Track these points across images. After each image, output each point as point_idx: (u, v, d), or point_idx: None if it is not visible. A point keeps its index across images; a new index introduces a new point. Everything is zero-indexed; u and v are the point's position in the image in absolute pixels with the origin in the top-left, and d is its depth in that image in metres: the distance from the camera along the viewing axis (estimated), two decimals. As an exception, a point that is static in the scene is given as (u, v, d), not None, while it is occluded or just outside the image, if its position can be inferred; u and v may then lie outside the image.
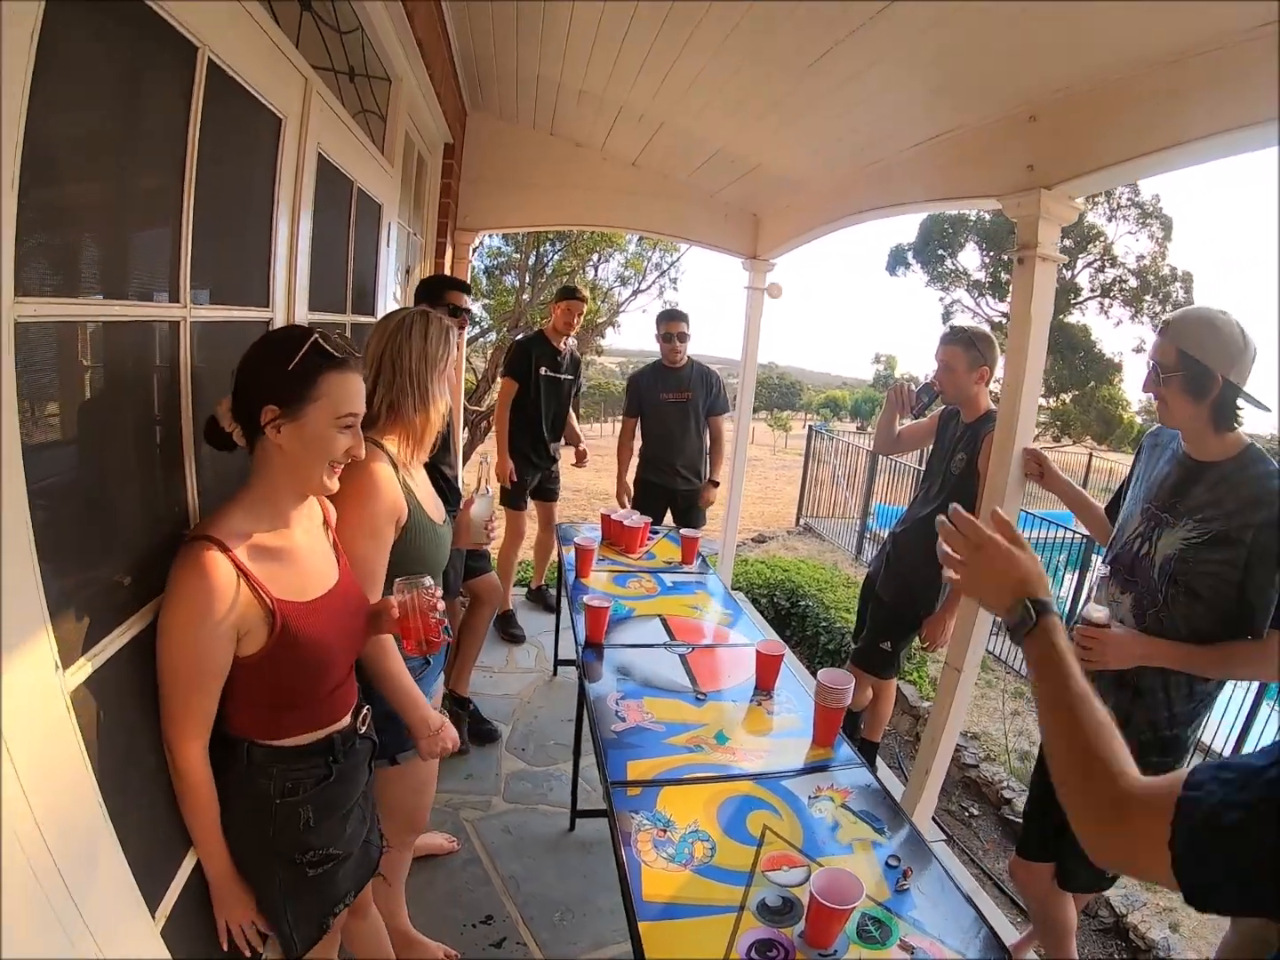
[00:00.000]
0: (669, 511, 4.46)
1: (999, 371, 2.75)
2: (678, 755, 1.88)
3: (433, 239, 3.88)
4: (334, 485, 1.37)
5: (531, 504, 4.52)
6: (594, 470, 16.12)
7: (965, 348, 2.80)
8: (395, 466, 1.71)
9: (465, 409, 12.01)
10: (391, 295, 3.03)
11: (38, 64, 0.85)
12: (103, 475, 1.20)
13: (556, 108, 3.75)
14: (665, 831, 1.61)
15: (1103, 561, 2.05)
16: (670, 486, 4.38)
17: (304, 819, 1.36)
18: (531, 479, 4.37)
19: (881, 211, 3.11)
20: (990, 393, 2.95)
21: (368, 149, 2.36)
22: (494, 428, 4.42)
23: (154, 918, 1.19)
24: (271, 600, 1.25)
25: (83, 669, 1.03)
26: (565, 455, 4.69)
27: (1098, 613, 1.83)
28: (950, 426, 2.99)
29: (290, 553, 1.35)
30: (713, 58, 2.56)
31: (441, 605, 1.51)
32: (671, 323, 4.32)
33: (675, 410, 4.33)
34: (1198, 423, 1.78)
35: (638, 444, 4.55)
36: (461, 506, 2.13)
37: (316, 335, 1.29)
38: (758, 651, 2.25)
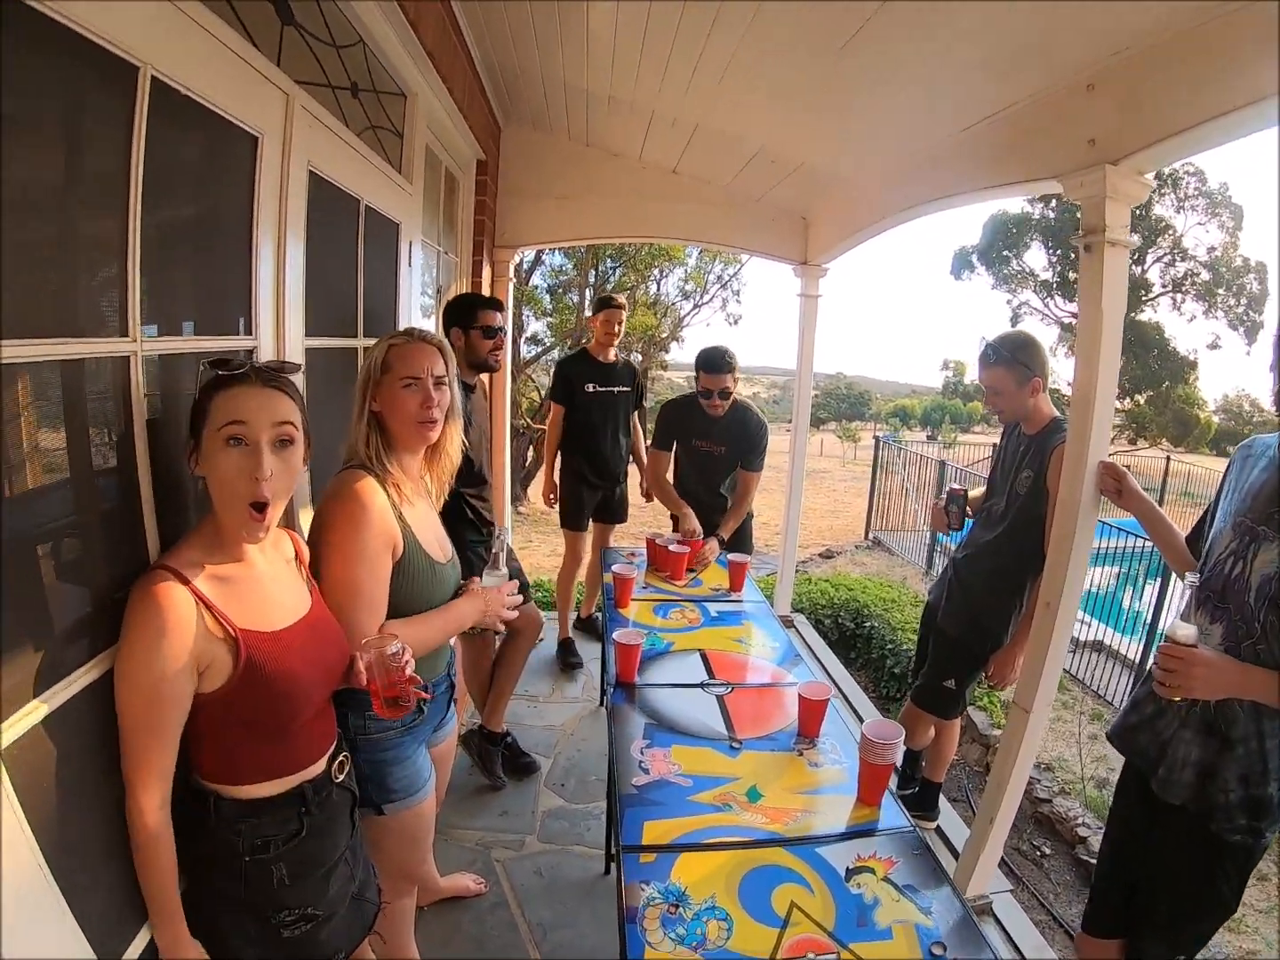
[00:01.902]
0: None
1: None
2: (703, 815, 1.69)
3: (468, 258, 3.80)
4: (257, 534, 1.25)
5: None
6: (660, 484, 16.04)
7: (1009, 367, 2.53)
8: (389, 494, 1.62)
9: (530, 427, 12.13)
10: (419, 316, 2.95)
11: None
12: (44, 524, 1.12)
13: (589, 116, 3.64)
14: (677, 908, 1.42)
15: (1192, 597, 1.76)
16: (708, 520, 3.97)
17: (277, 877, 1.27)
18: (591, 501, 4.22)
19: (934, 205, 2.87)
20: (1054, 391, 2.65)
21: (377, 166, 2.28)
22: (545, 453, 4.34)
23: None
24: (234, 629, 1.19)
25: (16, 725, 0.96)
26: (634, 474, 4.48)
27: (1183, 630, 1.53)
28: (1012, 439, 2.72)
29: (252, 582, 1.28)
30: (738, 49, 2.39)
31: (410, 667, 1.40)
32: (713, 377, 3.47)
33: (706, 460, 3.77)
34: None
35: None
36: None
37: (207, 360, 1.25)
38: (800, 695, 2.04)
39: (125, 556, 1.25)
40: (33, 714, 1.00)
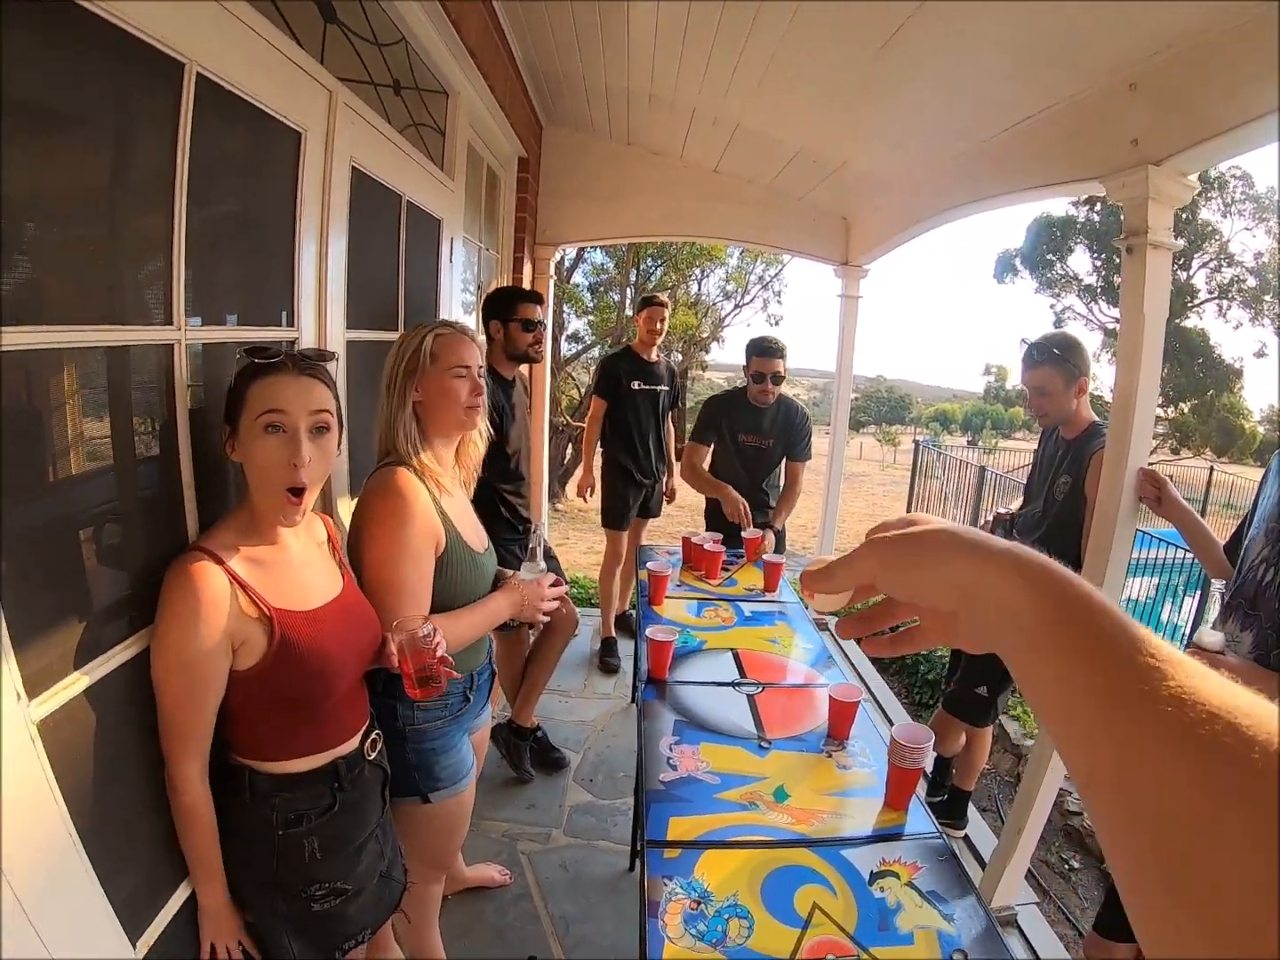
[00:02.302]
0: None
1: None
2: (729, 813, 1.68)
3: (509, 254, 3.84)
4: (294, 517, 1.28)
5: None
6: (698, 485, 16.00)
7: (1057, 365, 2.47)
8: (429, 489, 1.63)
9: (569, 424, 12.18)
10: (459, 311, 2.98)
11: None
12: (89, 504, 1.16)
13: (629, 116, 3.65)
14: (700, 904, 1.41)
15: (1223, 593, 1.72)
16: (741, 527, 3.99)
17: (308, 850, 1.30)
18: (634, 498, 4.20)
19: (975, 205, 2.82)
20: (1096, 398, 2.58)
21: (419, 163, 2.31)
22: (583, 446, 4.32)
23: (135, 947, 1.15)
24: (269, 608, 1.22)
25: (54, 698, 1.00)
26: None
27: (1210, 637, 1.51)
28: (1050, 444, 2.66)
29: (285, 564, 1.32)
30: (778, 49, 2.39)
31: (441, 648, 1.42)
32: (765, 360, 3.49)
33: (752, 454, 3.72)
34: None
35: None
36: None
37: (243, 349, 1.28)
38: (831, 697, 2.02)
39: (166, 538, 1.29)
40: (72, 686, 1.03)
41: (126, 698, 1.16)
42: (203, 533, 1.28)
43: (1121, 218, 1.96)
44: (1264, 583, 1.56)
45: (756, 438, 3.68)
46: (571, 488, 12.96)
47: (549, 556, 3.01)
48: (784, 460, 3.73)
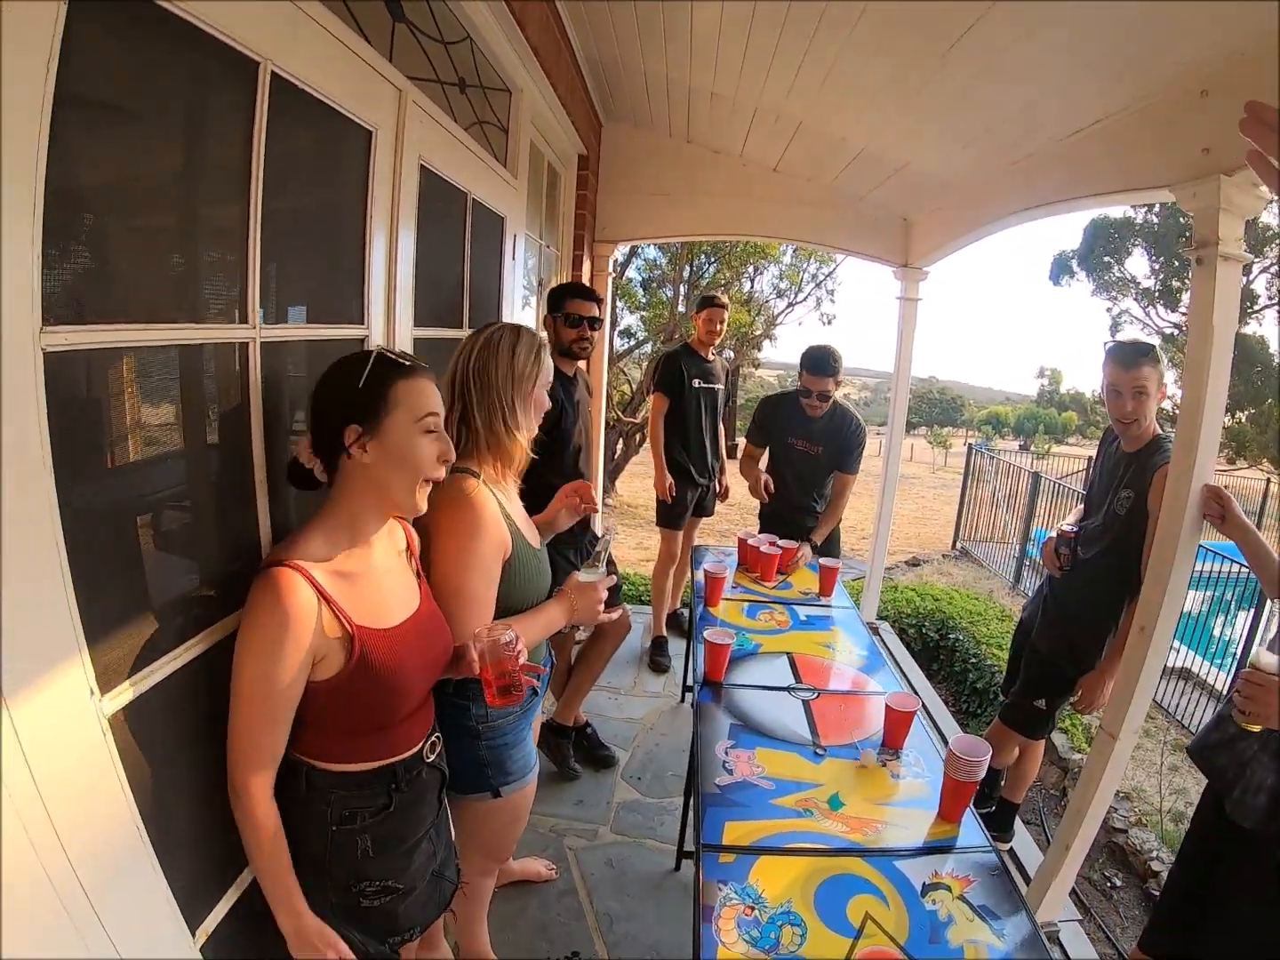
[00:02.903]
0: None
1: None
2: (784, 819, 1.67)
3: (569, 252, 3.85)
4: (424, 504, 1.33)
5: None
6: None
7: (1154, 366, 2.35)
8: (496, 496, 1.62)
9: (620, 420, 12.21)
10: (520, 309, 3.00)
11: (61, 85, 0.83)
12: (162, 501, 1.20)
13: (690, 113, 3.63)
14: (754, 909, 1.41)
15: None
16: (799, 523, 3.78)
17: (361, 848, 1.31)
18: (691, 497, 4.17)
19: (1040, 210, 2.74)
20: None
21: (484, 160, 2.33)
22: (650, 445, 4.23)
23: (194, 936, 1.18)
24: (351, 625, 1.21)
25: (124, 694, 1.03)
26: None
27: (1268, 658, 1.46)
28: (1110, 455, 2.57)
29: (370, 578, 1.31)
30: (844, 46, 2.34)
31: (523, 656, 1.42)
32: (816, 378, 3.43)
33: (803, 461, 3.70)
34: None
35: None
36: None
37: (377, 349, 1.27)
38: (887, 706, 1.98)
39: (238, 536, 1.32)
40: (143, 681, 1.06)
41: (193, 693, 1.18)
42: (288, 538, 1.26)
43: (1184, 221, 1.89)
44: None
45: (807, 444, 3.65)
46: (622, 484, 13.01)
47: (610, 566, 3.02)
48: (833, 472, 3.67)
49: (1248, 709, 1.47)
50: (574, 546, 2.78)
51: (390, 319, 1.75)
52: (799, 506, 3.71)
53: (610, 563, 2.91)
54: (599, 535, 1.97)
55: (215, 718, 1.17)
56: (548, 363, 1.72)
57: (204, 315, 1.22)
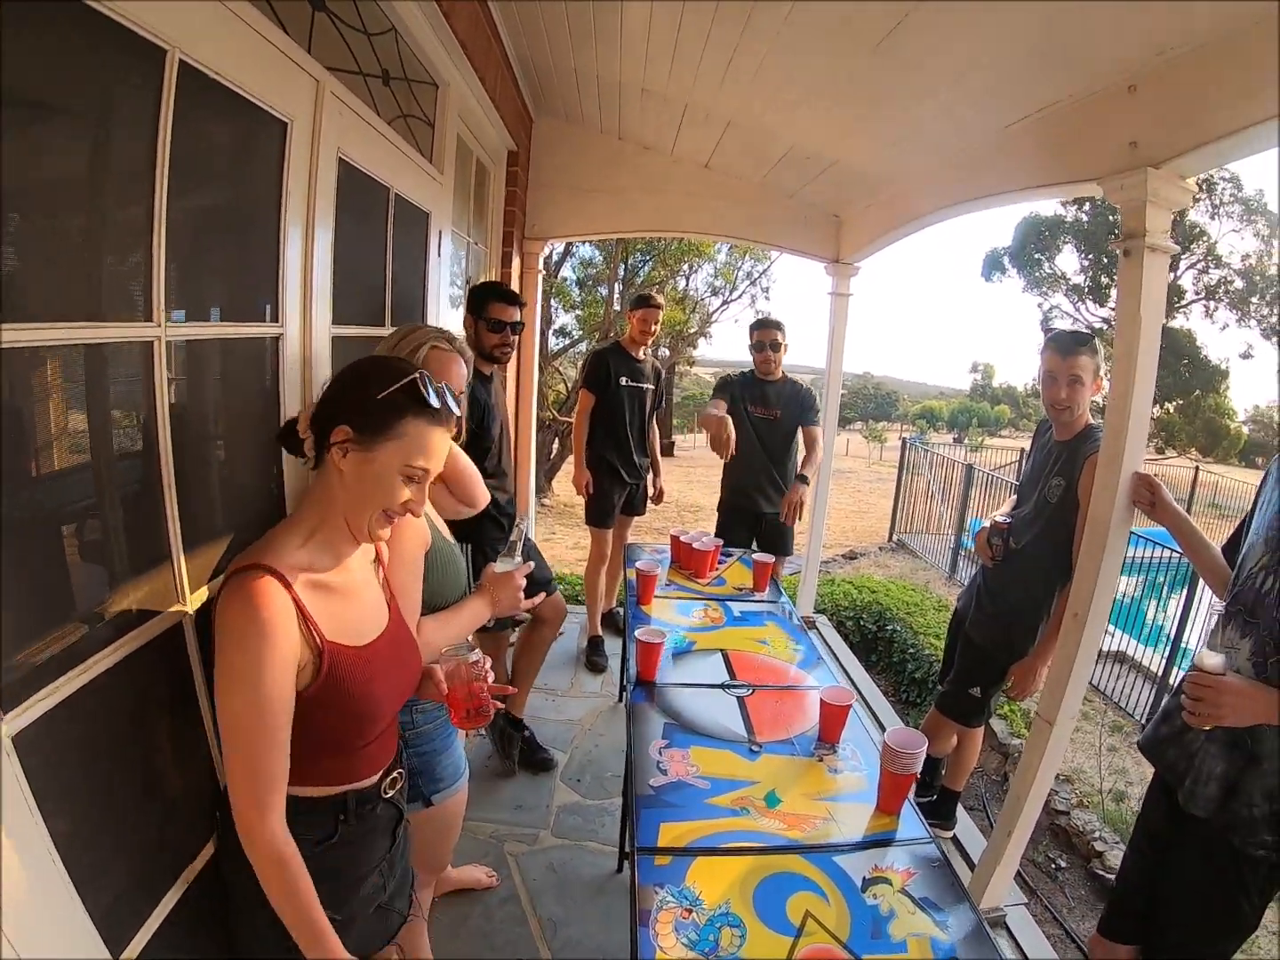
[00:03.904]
0: (754, 539, 4.12)
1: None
2: (720, 819, 1.66)
3: (498, 249, 3.80)
4: (383, 534, 1.26)
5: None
6: (686, 481, 16.02)
7: (1092, 355, 2.42)
8: None
9: (556, 420, 12.13)
10: (446, 307, 2.94)
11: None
12: (62, 510, 1.12)
13: (621, 109, 3.61)
14: (691, 911, 1.40)
15: (1223, 601, 1.72)
16: (754, 510, 4.05)
17: None
18: (619, 496, 4.18)
19: (970, 205, 2.81)
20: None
21: (407, 155, 2.27)
22: (573, 442, 4.26)
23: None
24: (322, 640, 1.14)
25: (28, 712, 0.95)
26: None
27: (1211, 659, 1.51)
28: (1043, 444, 2.65)
29: (345, 591, 1.24)
30: (773, 44, 2.36)
31: (490, 676, 1.39)
32: (763, 330, 3.93)
33: (762, 426, 3.97)
34: None
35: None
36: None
37: (418, 374, 1.21)
38: (822, 701, 2.00)
39: (145, 544, 1.24)
40: (48, 699, 0.99)
41: (106, 707, 1.11)
42: (266, 538, 1.20)
43: (1114, 219, 1.95)
44: (1263, 590, 1.56)
45: (764, 409, 3.95)
46: (558, 484, 12.95)
47: (535, 556, 2.99)
48: (798, 431, 4.00)
49: (1197, 710, 1.50)
50: (505, 538, 2.76)
51: (307, 317, 1.68)
52: (760, 470, 3.92)
53: (527, 551, 2.89)
54: (516, 523, 1.97)
55: (131, 732, 1.12)
56: (432, 359, 1.68)
57: (105, 314, 1.15)
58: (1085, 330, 2.58)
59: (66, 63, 1.01)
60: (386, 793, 1.37)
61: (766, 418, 3.95)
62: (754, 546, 3.98)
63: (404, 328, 1.73)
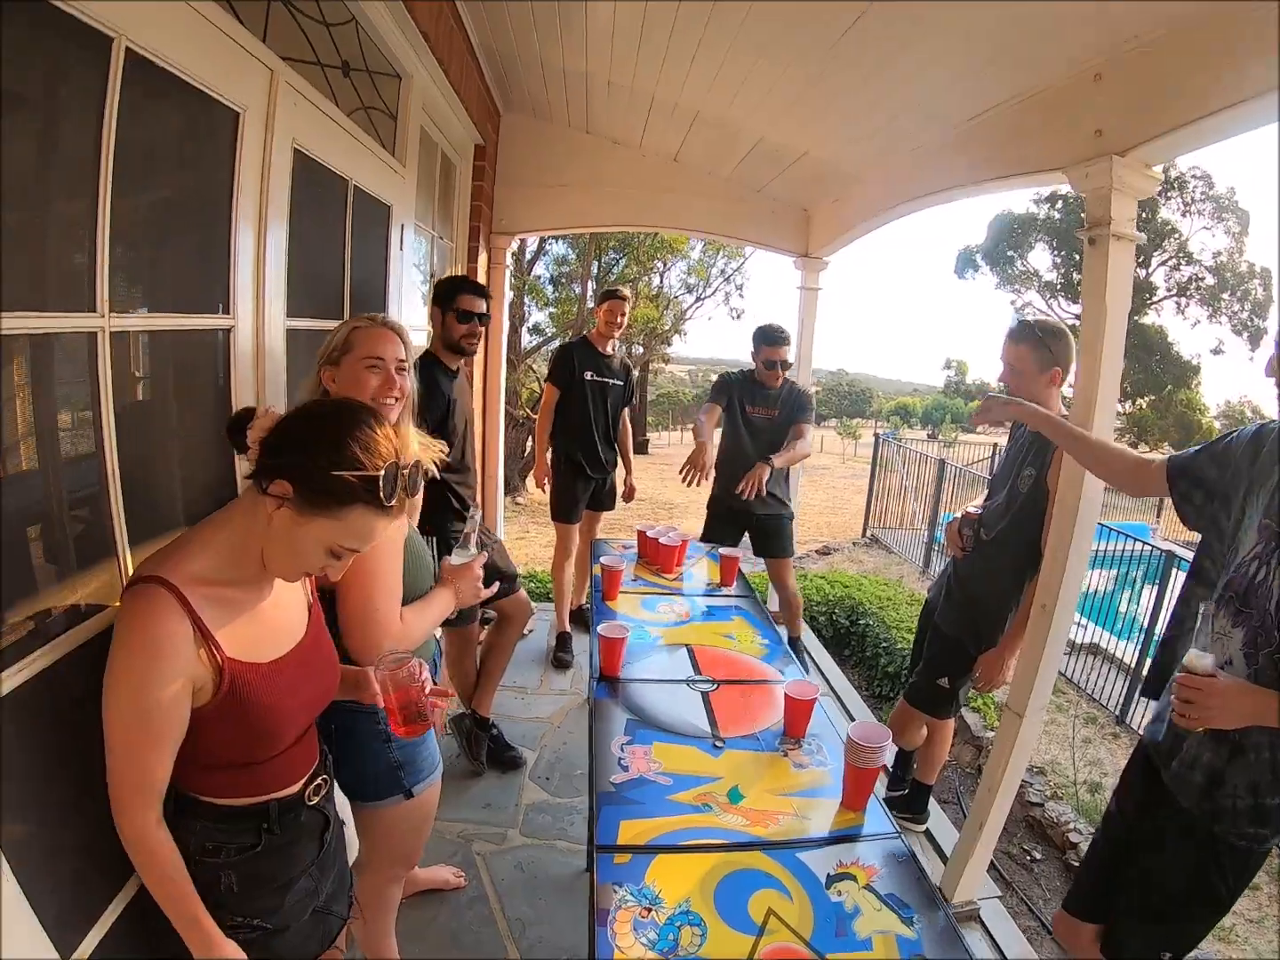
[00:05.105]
0: (747, 537, 4.14)
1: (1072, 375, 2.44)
2: (681, 815, 1.64)
3: (464, 244, 3.76)
4: (297, 579, 1.24)
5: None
6: (660, 479, 16.03)
7: (1034, 346, 2.43)
8: None
9: (529, 417, 12.08)
10: (411, 301, 2.91)
11: None
12: (5, 506, 1.09)
13: (589, 103, 3.59)
14: (650, 910, 1.38)
15: (1214, 597, 1.71)
16: (747, 509, 3.98)
17: (224, 884, 1.20)
18: (584, 491, 4.15)
19: (937, 197, 2.83)
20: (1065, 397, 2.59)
21: (368, 147, 2.24)
22: (536, 435, 4.25)
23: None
24: (222, 658, 1.11)
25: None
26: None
27: (1201, 660, 1.49)
28: (1018, 436, 2.67)
29: (254, 606, 1.20)
30: (736, 38, 2.36)
31: (428, 683, 1.37)
32: (773, 348, 3.83)
33: (761, 427, 3.95)
34: None
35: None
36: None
37: (385, 470, 1.11)
38: (786, 695, 1.99)
39: (88, 543, 1.22)
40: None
41: (46, 707, 1.09)
42: (172, 545, 1.15)
43: (1084, 215, 1.96)
44: (1255, 580, 1.54)
45: (764, 410, 3.95)
46: (532, 481, 12.90)
47: (497, 551, 2.97)
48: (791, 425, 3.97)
49: (1188, 713, 1.48)
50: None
51: (260, 309, 1.66)
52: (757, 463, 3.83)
53: (500, 550, 2.87)
54: (471, 514, 1.96)
55: (77, 728, 1.10)
56: (356, 336, 1.64)
57: (45, 304, 1.12)
58: (1049, 319, 2.59)
59: (9, 51, 0.98)
60: (310, 799, 1.34)
61: (766, 419, 3.93)
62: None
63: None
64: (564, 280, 14.16)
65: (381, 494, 1.11)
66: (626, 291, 4.12)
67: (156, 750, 1.08)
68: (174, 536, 1.39)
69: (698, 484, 3.52)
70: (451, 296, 2.68)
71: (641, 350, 13.80)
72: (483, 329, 2.78)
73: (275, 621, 1.24)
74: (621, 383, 4.16)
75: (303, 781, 1.33)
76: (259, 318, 1.65)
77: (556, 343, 13.89)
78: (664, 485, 15.25)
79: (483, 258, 3.92)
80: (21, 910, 0.98)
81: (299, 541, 1.13)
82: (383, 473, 1.11)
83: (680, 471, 3.49)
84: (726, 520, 4.06)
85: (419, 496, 1.74)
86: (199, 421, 1.55)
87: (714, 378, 4.39)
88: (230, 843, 1.21)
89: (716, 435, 3.97)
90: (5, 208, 1.03)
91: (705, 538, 4.02)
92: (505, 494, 5.50)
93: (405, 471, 1.16)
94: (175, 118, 1.40)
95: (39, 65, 1.07)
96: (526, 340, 13.63)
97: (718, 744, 1.94)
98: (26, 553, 1.13)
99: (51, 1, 1.01)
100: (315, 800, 1.35)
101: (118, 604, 1.22)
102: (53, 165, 1.13)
